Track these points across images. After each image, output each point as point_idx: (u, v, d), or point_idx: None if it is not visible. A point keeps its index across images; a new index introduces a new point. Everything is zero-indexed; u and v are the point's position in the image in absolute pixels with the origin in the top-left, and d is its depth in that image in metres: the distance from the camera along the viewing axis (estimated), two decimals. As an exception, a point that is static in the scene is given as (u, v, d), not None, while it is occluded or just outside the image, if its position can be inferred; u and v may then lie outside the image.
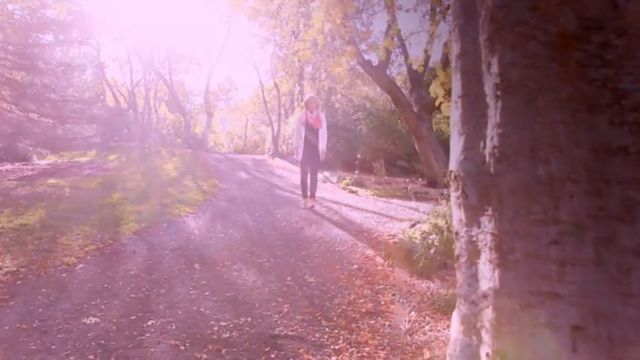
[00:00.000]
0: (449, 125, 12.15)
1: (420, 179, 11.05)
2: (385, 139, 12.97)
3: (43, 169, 9.97)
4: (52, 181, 8.22)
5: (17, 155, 10.87)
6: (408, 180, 10.87)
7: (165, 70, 23.21)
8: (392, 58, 11.20)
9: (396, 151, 12.93)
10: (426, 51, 10.28)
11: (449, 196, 6.47)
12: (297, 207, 6.72)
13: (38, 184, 7.77)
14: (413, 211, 6.56)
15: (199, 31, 50.92)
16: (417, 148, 10.12)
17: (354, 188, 9.06)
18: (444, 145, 10.82)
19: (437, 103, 4.55)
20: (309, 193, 6.60)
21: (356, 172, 10.61)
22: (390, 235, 5.14)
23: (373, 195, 8.48)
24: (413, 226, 5.43)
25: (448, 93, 4.45)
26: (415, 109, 9.80)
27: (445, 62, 4.45)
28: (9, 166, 9.87)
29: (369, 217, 6.19)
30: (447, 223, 5.10)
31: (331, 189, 8.82)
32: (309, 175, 6.53)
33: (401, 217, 6.20)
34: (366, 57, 10.40)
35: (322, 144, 6.38)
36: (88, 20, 10.48)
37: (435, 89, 4.40)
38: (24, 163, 10.67)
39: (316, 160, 6.44)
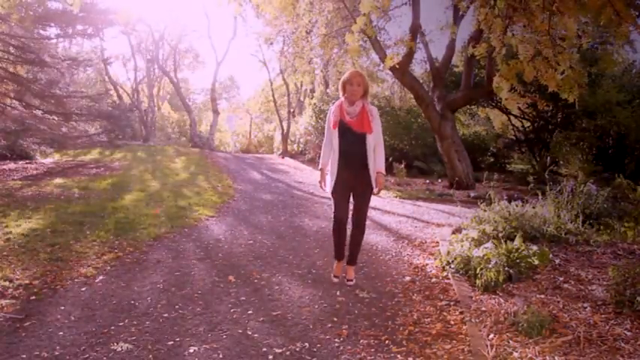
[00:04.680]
0: (462, 125, 11.70)
1: (439, 180, 10.63)
2: (401, 139, 12.54)
3: (48, 168, 9.52)
4: (58, 181, 7.79)
5: (21, 153, 10.42)
6: (427, 181, 10.45)
7: (170, 67, 22.76)
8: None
9: (412, 151, 12.50)
10: (448, 46, 9.88)
11: (477, 198, 5.98)
12: (323, 210, 6.29)
13: (44, 184, 7.34)
14: (448, 215, 6.15)
15: (206, 26, 50.75)
16: (439, 148, 9.70)
17: (375, 190, 8.63)
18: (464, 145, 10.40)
19: (504, 99, 4.11)
20: (346, 255, 3.55)
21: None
22: (433, 242, 4.72)
23: (397, 197, 8.06)
24: (456, 232, 5.01)
25: (512, 88, 4.05)
26: (438, 108, 9.38)
27: (508, 55, 4.05)
28: (12, 165, 9.43)
29: (402, 221, 5.76)
30: (495, 229, 4.69)
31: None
32: (349, 219, 3.46)
33: (437, 221, 5.78)
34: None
35: (378, 161, 3.29)
36: (95, 13, 10.05)
37: (499, 84, 3.96)
38: (28, 161, 10.22)
39: (363, 193, 3.36)
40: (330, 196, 3.46)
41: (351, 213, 3.46)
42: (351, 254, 3.53)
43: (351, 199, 3.42)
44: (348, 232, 3.50)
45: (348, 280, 3.50)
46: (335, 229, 3.46)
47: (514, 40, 3.68)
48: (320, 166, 3.48)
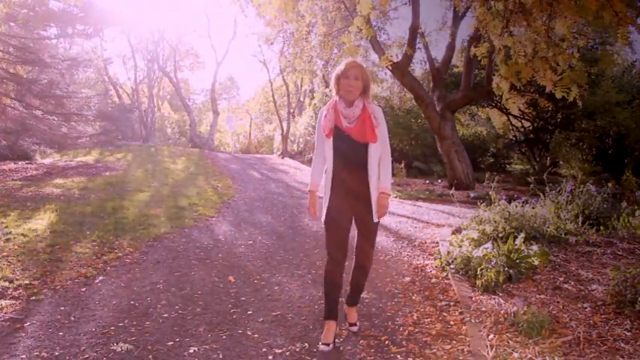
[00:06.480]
0: (462, 125, 11.70)
1: (439, 180, 10.63)
2: (400, 139, 12.54)
3: (48, 168, 9.52)
4: (58, 181, 7.79)
5: (21, 154, 10.41)
6: (427, 182, 10.45)
7: (170, 68, 22.76)
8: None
9: (412, 151, 12.51)
10: (448, 47, 9.89)
11: (477, 198, 5.98)
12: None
13: (44, 185, 7.34)
14: (447, 216, 6.14)
15: (206, 27, 50.92)
16: (439, 148, 9.69)
17: (375, 190, 8.62)
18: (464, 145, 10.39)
19: (504, 99, 4.12)
20: (345, 308, 2.79)
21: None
22: (433, 243, 4.71)
23: (397, 197, 8.05)
24: (456, 232, 5.01)
25: (513, 88, 4.04)
26: (438, 108, 9.38)
27: (507, 56, 4.05)
28: (12, 165, 9.42)
29: (403, 221, 5.76)
30: (495, 229, 4.69)
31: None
32: (348, 258, 2.61)
33: (437, 222, 5.78)
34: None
35: (382, 178, 2.53)
36: (95, 13, 10.05)
37: (499, 84, 3.96)
38: (27, 162, 10.22)
39: (367, 220, 2.53)
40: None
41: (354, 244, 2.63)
42: (353, 295, 2.75)
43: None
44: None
45: (351, 325, 2.72)
46: (328, 271, 2.54)
47: (510, 41, 3.67)
48: (309, 187, 2.60)
